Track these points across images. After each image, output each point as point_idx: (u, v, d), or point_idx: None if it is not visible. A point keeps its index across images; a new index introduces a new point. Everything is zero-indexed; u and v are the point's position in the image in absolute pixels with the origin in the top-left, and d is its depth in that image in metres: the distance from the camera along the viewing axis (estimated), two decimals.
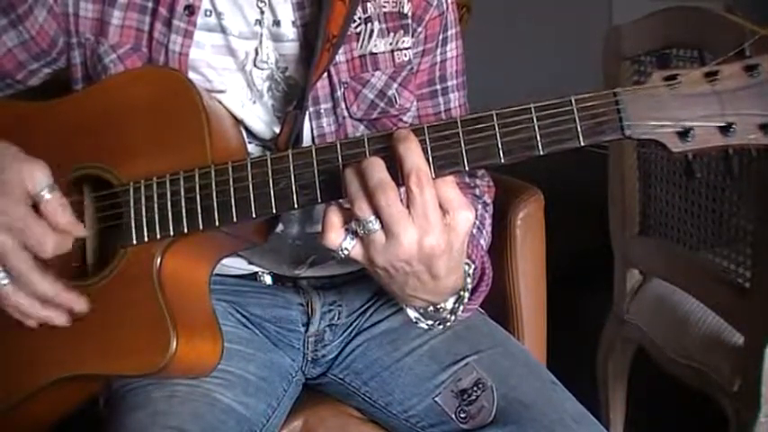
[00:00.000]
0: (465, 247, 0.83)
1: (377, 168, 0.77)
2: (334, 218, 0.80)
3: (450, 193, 0.79)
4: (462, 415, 1.01)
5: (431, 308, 0.91)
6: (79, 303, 0.88)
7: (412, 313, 0.94)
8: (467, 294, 0.93)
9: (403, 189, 0.78)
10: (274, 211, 0.86)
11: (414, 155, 0.77)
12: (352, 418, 1.14)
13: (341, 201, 0.97)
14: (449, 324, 0.95)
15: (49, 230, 0.86)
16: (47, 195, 0.86)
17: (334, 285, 1.17)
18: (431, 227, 0.77)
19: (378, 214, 0.77)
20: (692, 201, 1.52)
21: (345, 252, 0.81)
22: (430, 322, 0.95)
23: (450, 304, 0.92)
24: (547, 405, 0.99)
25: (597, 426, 0.99)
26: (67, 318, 0.89)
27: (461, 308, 0.93)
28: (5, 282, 0.86)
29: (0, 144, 0.89)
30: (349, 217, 0.80)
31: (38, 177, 0.86)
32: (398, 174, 0.79)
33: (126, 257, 0.91)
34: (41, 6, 1.01)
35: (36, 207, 0.86)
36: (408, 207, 0.77)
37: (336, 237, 0.80)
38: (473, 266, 0.95)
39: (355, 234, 0.80)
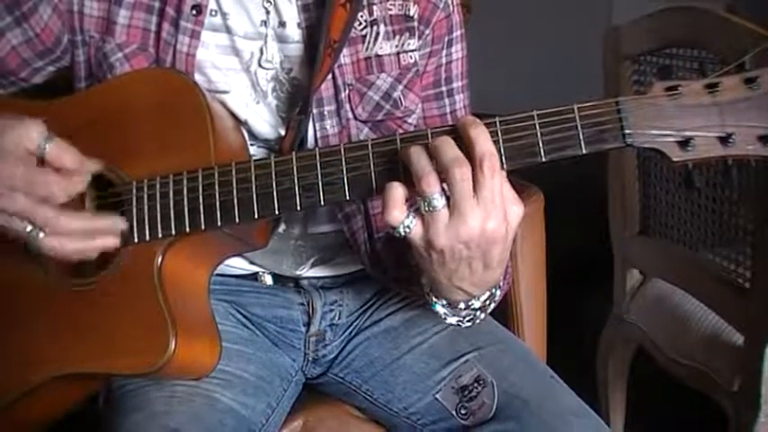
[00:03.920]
0: (511, 243, 0.84)
1: (452, 145, 0.79)
2: (397, 194, 0.81)
3: (504, 186, 0.80)
4: (463, 411, 1.02)
5: (462, 303, 0.91)
6: (118, 222, 0.89)
7: (441, 309, 0.93)
8: (498, 292, 0.94)
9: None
10: (277, 212, 0.87)
11: (486, 140, 0.79)
12: (353, 417, 1.14)
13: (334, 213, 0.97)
14: (477, 321, 0.96)
15: (54, 176, 0.87)
16: (47, 146, 0.86)
17: (335, 285, 1.17)
18: (495, 211, 0.79)
19: (447, 190, 0.79)
20: (691, 201, 1.52)
21: (407, 230, 0.81)
22: (457, 319, 0.95)
23: (480, 301, 0.92)
24: (547, 400, 0.99)
25: (597, 420, 1.00)
26: (116, 238, 0.89)
27: (492, 305, 0.94)
28: (41, 234, 0.86)
29: None
30: (410, 195, 0.81)
31: (32, 134, 0.86)
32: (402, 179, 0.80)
33: (127, 256, 0.91)
34: (46, 4, 1.01)
35: (42, 161, 0.87)
36: (475, 190, 0.78)
37: (400, 213, 0.81)
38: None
39: (416, 213, 0.81)
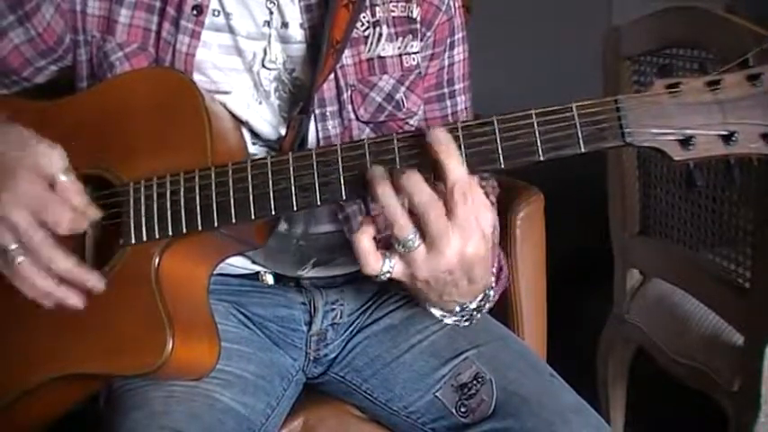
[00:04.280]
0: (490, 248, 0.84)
1: (422, 184, 0.78)
2: (367, 244, 0.80)
3: (477, 200, 0.79)
4: (462, 409, 1.02)
5: (457, 307, 0.91)
6: (95, 280, 0.88)
7: (437, 312, 0.93)
8: (491, 292, 0.94)
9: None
10: (273, 212, 0.86)
11: (457, 163, 0.78)
12: (353, 417, 1.14)
13: (335, 214, 0.99)
14: (474, 321, 0.96)
15: (67, 208, 0.87)
16: (63, 177, 0.87)
17: (336, 284, 1.17)
18: (473, 234, 0.78)
19: (421, 229, 0.78)
20: (692, 201, 1.52)
21: (388, 275, 0.81)
22: (454, 320, 0.95)
23: (475, 303, 0.92)
24: (545, 397, 0.99)
25: (596, 417, 1.00)
26: (82, 298, 0.88)
27: (487, 305, 0.94)
28: (21, 258, 0.86)
29: (17, 127, 0.90)
30: (384, 238, 0.80)
31: (54, 159, 0.87)
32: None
33: (125, 257, 0.91)
34: (49, 3, 1.01)
35: (52, 188, 0.87)
36: (450, 216, 0.78)
37: (376, 262, 0.80)
38: (495, 265, 0.96)
39: (394, 252, 0.80)
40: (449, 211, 0.78)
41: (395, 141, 0.83)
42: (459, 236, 0.78)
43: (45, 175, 0.87)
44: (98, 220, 0.91)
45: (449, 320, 0.95)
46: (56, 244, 0.87)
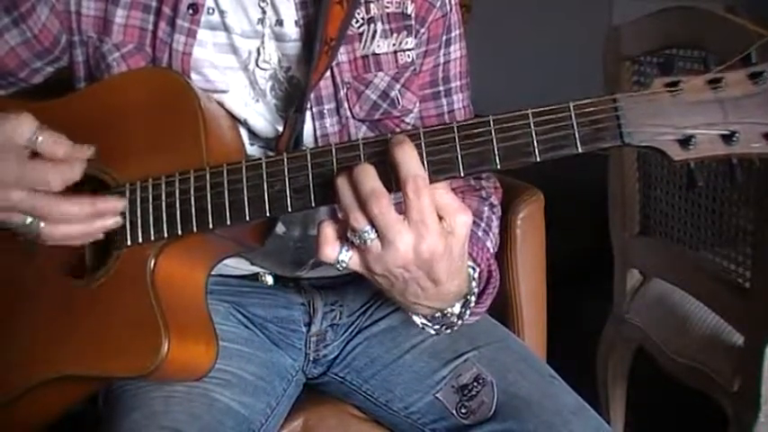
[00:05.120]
0: (466, 251, 0.83)
1: (368, 176, 0.78)
2: (329, 231, 0.80)
3: (445, 198, 0.79)
4: (463, 410, 1.02)
5: (438, 313, 0.91)
6: (118, 204, 0.89)
7: (418, 320, 0.93)
8: (473, 298, 0.93)
9: (399, 194, 0.78)
10: (268, 214, 0.86)
11: (410, 160, 0.78)
12: (353, 417, 1.14)
13: (333, 214, 0.97)
14: (456, 329, 0.95)
15: (49, 166, 0.87)
16: (39, 138, 0.86)
17: (336, 285, 1.17)
18: (428, 232, 0.77)
19: (372, 223, 0.77)
20: (692, 201, 1.52)
21: (343, 265, 0.81)
22: (437, 327, 0.94)
23: (457, 309, 0.91)
24: (546, 399, 0.99)
25: (596, 418, 1.00)
26: (118, 218, 0.89)
27: (468, 312, 0.93)
28: (42, 224, 0.87)
29: None
30: (343, 228, 0.80)
31: (23, 128, 0.86)
32: (392, 179, 0.79)
33: (121, 259, 0.90)
34: (44, 4, 1.01)
35: (35, 154, 0.87)
36: (405, 213, 0.77)
37: (332, 251, 0.80)
38: (478, 270, 0.95)
39: (351, 244, 0.80)
40: (406, 207, 0.77)
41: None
42: (413, 231, 0.77)
43: (20, 146, 0.86)
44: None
45: (430, 330, 0.94)
46: (60, 196, 0.87)
